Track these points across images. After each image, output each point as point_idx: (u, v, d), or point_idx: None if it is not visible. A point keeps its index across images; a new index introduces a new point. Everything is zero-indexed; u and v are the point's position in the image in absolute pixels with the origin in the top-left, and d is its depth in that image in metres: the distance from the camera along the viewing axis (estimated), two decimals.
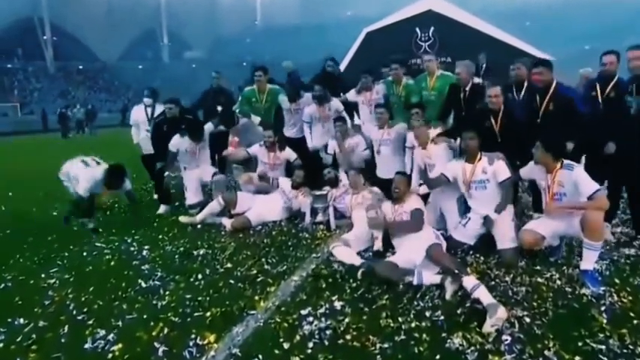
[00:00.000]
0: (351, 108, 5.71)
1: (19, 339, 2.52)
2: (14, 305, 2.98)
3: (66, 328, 2.61)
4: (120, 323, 2.65)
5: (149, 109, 5.84)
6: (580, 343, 2.28)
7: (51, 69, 48.97)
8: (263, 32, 63.53)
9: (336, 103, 5.43)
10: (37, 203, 6.12)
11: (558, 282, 3.03)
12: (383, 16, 8.54)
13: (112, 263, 3.72)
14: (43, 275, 3.46)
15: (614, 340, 2.29)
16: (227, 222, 4.62)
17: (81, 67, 54.57)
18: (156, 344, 2.41)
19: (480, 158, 3.70)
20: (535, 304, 2.73)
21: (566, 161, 3.26)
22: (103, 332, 2.55)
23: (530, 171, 3.55)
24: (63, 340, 2.49)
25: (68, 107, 25.53)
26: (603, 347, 2.23)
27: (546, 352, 2.21)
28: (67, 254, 3.96)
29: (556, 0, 53.65)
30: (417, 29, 7.43)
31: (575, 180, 3.14)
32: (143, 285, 3.23)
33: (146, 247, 4.09)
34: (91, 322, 2.68)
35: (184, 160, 5.26)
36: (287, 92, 5.55)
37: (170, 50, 64.21)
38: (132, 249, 4.05)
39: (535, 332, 2.41)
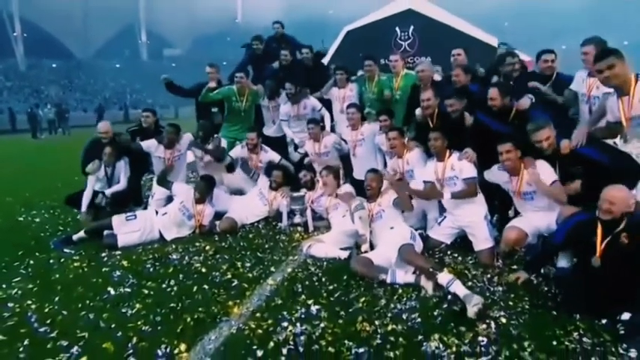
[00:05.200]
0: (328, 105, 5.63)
1: None
2: None
3: (26, 342, 2.46)
4: (86, 334, 2.52)
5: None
6: (555, 343, 2.29)
7: (21, 66, 47.30)
8: (244, 31, 62.93)
9: (312, 101, 5.35)
10: (3, 208, 5.84)
11: (534, 281, 3.04)
12: (366, 14, 8.52)
13: (81, 271, 3.55)
14: (4, 285, 3.27)
15: (587, 338, 2.31)
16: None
17: (54, 65, 52.86)
18: (124, 355, 2.30)
19: (450, 155, 3.72)
20: (511, 303, 2.74)
21: (527, 159, 3.32)
22: (66, 345, 2.41)
23: (493, 175, 3.57)
24: (22, 356, 2.34)
25: (38, 106, 24.59)
26: (578, 346, 2.24)
27: (522, 353, 2.21)
28: (32, 262, 3.76)
29: (531, 1, 55.30)
30: (397, 28, 7.44)
31: (533, 180, 3.21)
32: (112, 293, 3.09)
33: (118, 252, 3.93)
34: (53, 334, 2.54)
35: (157, 168, 5.10)
36: (267, 89, 5.45)
37: (149, 48, 63.03)
38: (103, 255, 3.89)
39: (511, 333, 2.40)
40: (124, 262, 3.70)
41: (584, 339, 2.30)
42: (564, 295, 2.69)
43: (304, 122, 5.13)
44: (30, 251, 4.03)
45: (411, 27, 7.40)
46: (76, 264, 3.68)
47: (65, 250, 4.03)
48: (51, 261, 3.79)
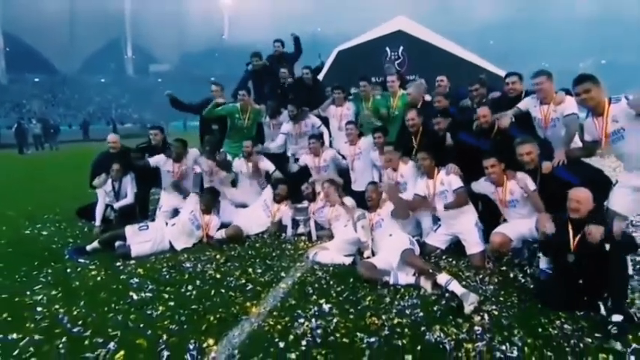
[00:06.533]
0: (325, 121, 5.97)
1: (15, 353, 2.55)
2: (3, 322, 2.97)
3: (63, 339, 2.67)
4: (118, 332, 2.74)
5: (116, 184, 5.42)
6: (540, 329, 2.63)
7: (3, 80, 46.70)
8: (231, 47, 63.57)
9: (312, 120, 5.70)
10: (7, 222, 5.95)
11: (522, 280, 3.41)
12: (352, 32, 8.95)
13: (99, 278, 3.75)
14: (28, 292, 3.45)
15: (568, 324, 2.66)
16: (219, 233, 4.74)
17: (37, 79, 52.30)
18: (158, 349, 2.53)
19: (438, 172, 4.11)
20: (502, 299, 3.08)
21: (509, 172, 3.71)
22: (102, 341, 2.63)
23: (480, 186, 3.97)
24: (62, 351, 2.55)
25: (23, 120, 24.41)
26: (560, 332, 2.59)
27: (512, 339, 2.53)
28: (50, 271, 3.94)
29: (515, 21, 58.18)
30: (387, 49, 7.89)
31: (522, 185, 3.59)
32: (135, 297, 3.31)
33: (132, 262, 4.14)
34: (87, 333, 2.75)
35: (165, 181, 5.36)
36: (268, 109, 5.77)
37: (135, 63, 63.03)
38: (117, 264, 4.08)
39: (503, 323, 2.73)
40: (140, 270, 3.91)
41: (565, 325, 2.65)
42: (546, 296, 3.00)
43: (305, 139, 5.45)
44: (45, 261, 4.19)
45: (401, 47, 7.87)
46: (93, 272, 3.88)
47: (80, 259, 4.21)
48: (68, 270, 3.97)
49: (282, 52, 6.79)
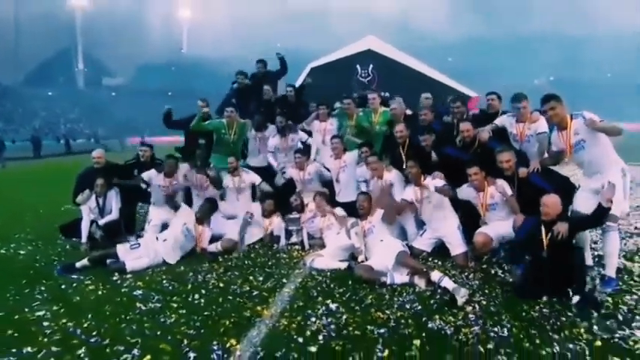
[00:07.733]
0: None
1: None
2: (10, 338, 2.93)
3: (83, 349, 2.71)
4: (138, 340, 2.81)
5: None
6: (524, 314, 3.05)
7: None
8: (189, 61, 62.70)
9: (299, 134, 5.97)
10: None
11: (502, 275, 3.87)
12: (314, 49, 9.35)
13: (100, 292, 3.74)
14: (26, 309, 3.39)
15: (546, 309, 3.10)
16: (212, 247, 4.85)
17: None
18: (183, 352, 2.64)
19: (424, 179, 4.51)
20: (487, 291, 3.50)
21: (489, 179, 4.18)
22: (124, 349, 2.70)
23: (463, 192, 4.40)
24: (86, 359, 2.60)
25: None
26: (540, 315, 3.02)
27: (502, 322, 2.92)
28: (43, 288, 3.85)
29: (471, 39, 62.28)
30: (358, 66, 8.36)
31: (500, 191, 4.06)
32: (143, 308, 3.37)
33: (129, 276, 4.14)
34: (106, 342, 2.80)
35: (155, 195, 5.40)
36: (254, 122, 5.97)
37: (86, 76, 60.15)
38: (114, 278, 4.08)
39: (492, 310, 3.13)
40: (140, 283, 3.94)
41: (544, 309, 3.09)
42: (525, 294, 3.38)
43: (292, 153, 5.68)
44: (34, 280, 4.08)
45: (371, 65, 8.38)
46: (91, 287, 3.86)
47: (73, 276, 4.15)
48: (63, 286, 3.91)
49: (266, 71, 7.02)
